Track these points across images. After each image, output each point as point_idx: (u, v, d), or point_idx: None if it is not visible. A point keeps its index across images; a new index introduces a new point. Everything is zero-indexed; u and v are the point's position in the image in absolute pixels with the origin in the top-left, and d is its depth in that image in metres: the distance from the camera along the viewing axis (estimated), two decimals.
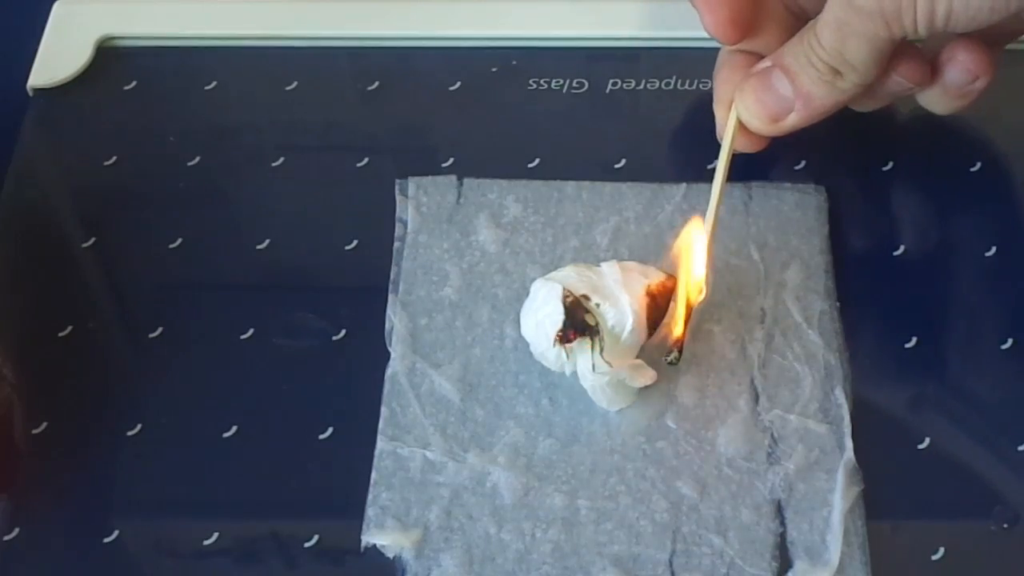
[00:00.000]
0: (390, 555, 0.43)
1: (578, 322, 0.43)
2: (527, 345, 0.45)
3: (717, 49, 0.51)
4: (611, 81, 0.55)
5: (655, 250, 0.49)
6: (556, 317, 0.43)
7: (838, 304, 0.48)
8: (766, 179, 0.51)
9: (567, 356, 0.44)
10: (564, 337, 0.43)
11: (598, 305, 0.43)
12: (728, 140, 0.48)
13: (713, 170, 0.47)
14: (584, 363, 0.43)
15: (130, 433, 0.46)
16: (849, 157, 0.53)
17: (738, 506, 0.43)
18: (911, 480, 0.44)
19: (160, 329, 0.48)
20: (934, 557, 0.43)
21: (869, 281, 0.50)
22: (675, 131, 0.54)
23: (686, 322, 0.45)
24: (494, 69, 0.56)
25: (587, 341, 0.43)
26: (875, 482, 0.44)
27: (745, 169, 0.51)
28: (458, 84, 0.56)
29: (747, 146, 0.49)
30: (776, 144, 0.49)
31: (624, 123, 0.55)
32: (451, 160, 0.53)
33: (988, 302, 0.49)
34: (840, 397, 0.45)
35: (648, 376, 0.45)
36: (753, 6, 0.49)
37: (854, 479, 0.43)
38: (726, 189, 0.46)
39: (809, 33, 0.46)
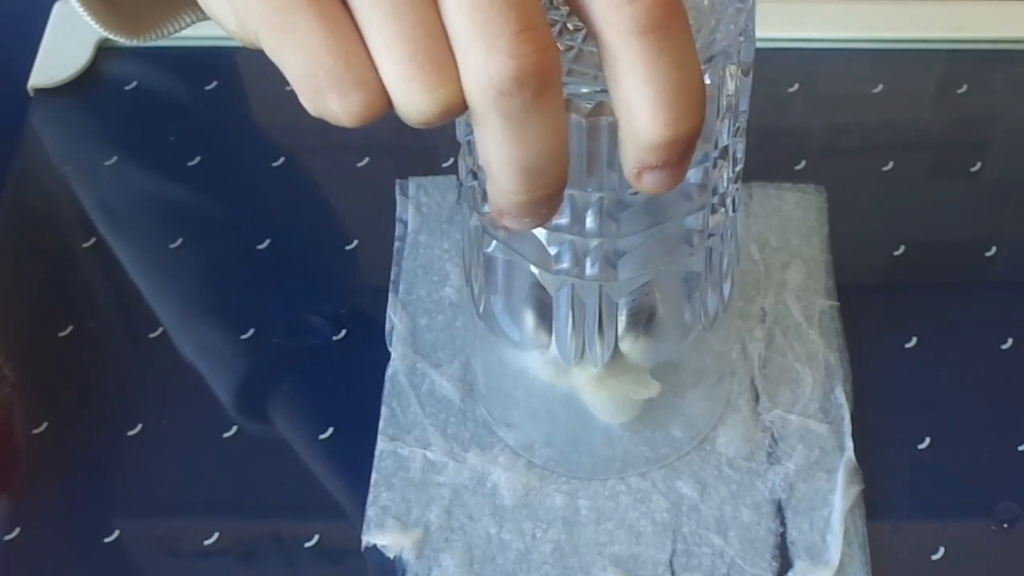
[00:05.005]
0: (390, 555, 0.43)
1: None
2: None
3: None
4: None
5: None
6: None
7: (838, 304, 0.48)
8: (766, 179, 0.51)
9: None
10: None
11: None
12: None
13: None
14: (583, 379, 0.42)
15: (130, 433, 0.46)
16: (849, 157, 0.53)
17: (738, 506, 0.43)
18: (911, 480, 0.44)
19: (160, 329, 0.48)
20: (934, 557, 0.43)
21: (869, 281, 0.50)
22: None
23: None
24: None
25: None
26: (875, 482, 0.44)
27: (745, 169, 0.51)
28: None
29: None
30: (776, 144, 0.49)
31: None
32: (451, 160, 0.53)
33: (988, 302, 0.49)
34: (840, 397, 0.45)
35: (652, 388, 0.43)
36: None
37: (854, 479, 0.43)
38: None
39: None
